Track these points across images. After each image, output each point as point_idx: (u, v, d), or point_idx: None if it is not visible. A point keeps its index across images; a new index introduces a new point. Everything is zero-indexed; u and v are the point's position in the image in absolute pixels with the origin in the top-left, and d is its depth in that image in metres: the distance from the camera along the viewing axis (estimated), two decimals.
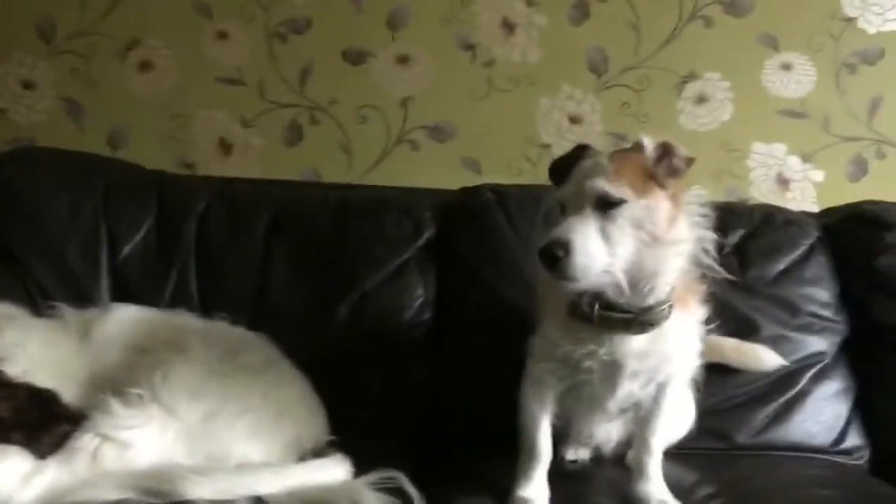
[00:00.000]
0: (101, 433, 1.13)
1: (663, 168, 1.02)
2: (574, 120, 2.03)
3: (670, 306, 1.08)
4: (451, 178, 1.90)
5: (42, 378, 1.20)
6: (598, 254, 0.99)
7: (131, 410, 1.16)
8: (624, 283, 1.03)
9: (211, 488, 1.09)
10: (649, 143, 1.04)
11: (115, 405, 1.16)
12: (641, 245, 1.02)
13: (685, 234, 1.06)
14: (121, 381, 1.24)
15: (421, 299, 1.67)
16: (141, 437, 1.15)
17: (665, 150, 1.03)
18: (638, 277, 1.04)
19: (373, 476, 1.18)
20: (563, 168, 1.10)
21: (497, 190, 1.77)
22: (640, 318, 1.07)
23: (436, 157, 2.02)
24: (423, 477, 1.23)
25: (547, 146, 2.02)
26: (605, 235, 1.00)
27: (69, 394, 1.21)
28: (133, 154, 1.96)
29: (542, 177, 1.98)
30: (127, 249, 1.66)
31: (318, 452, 1.30)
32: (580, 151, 1.11)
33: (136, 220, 1.68)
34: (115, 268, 1.65)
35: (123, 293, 1.62)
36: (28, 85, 1.99)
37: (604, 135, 2.01)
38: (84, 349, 1.32)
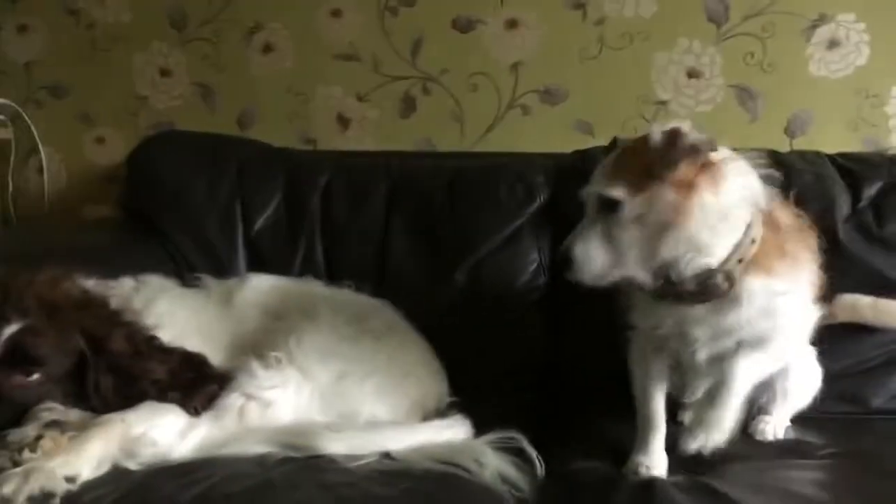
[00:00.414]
0: (246, 392, 1.22)
1: (665, 159, 0.99)
2: (692, 74, 1.95)
3: (728, 274, 1.04)
4: (564, 142, 1.88)
5: (191, 343, 1.30)
6: (600, 258, 1.03)
7: (271, 372, 1.25)
8: (644, 273, 1.04)
9: (345, 444, 1.17)
10: (656, 135, 1.02)
11: (257, 367, 1.25)
12: (653, 235, 1.02)
13: (718, 207, 1.02)
14: (260, 344, 1.34)
15: (535, 264, 1.69)
16: (280, 397, 1.24)
17: (671, 139, 1.00)
18: (666, 260, 1.03)
19: (493, 436, 1.22)
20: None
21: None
22: (691, 290, 1.06)
23: (548, 122, 2.00)
24: (540, 438, 1.26)
25: (663, 103, 1.96)
26: (609, 237, 1.02)
27: (215, 357, 1.30)
28: (260, 133, 2.08)
29: None
30: (260, 222, 1.78)
31: (439, 413, 1.36)
32: (611, 146, 1.14)
33: (266, 194, 1.80)
34: (250, 240, 1.78)
35: (257, 263, 1.75)
36: (165, 72, 2.15)
37: (725, 88, 1.93)
38: (226, 315, 1.43)
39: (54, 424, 1.07)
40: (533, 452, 1.19)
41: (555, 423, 1.43)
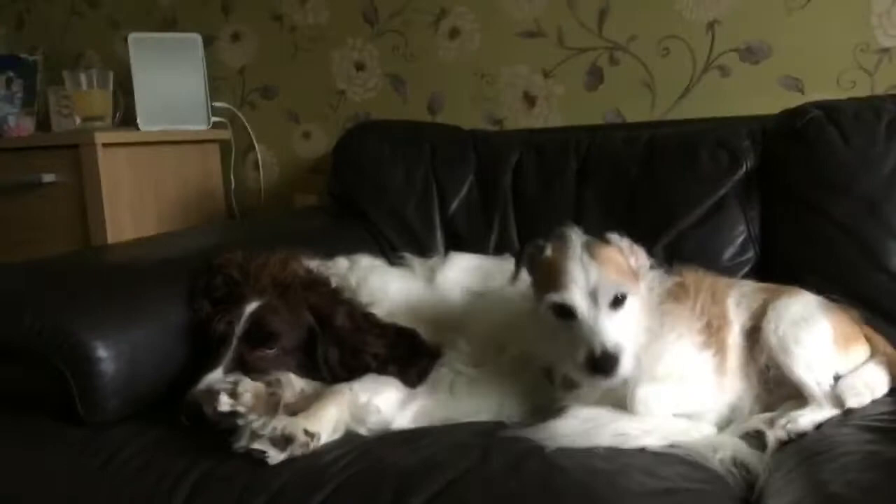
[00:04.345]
0: (455, 368, 1.26)
1: (635, 263, 1.17)
2: None
3: None
4: (769, 103, 1.75)
5: (402, 319, 1.37)
6: (630, 346, 1.09)
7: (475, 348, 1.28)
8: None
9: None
10: (620, 241, 1.17)
11: (463, 344, 1.29)
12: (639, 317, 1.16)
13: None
14: (462, 321, 1.38)
15: (743, 235, 1.60)
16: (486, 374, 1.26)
17: (631, 249, 1.17)
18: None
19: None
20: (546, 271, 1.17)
21: (825, 106, 1.60)
22: None
23: (749, 82, 1.87)
24: None
25: (886, 50, 1.76)
26: (624, 326, 1.11)
27: (422, 332, 1.35)
28: (449, 117, 2.13)
29: (881, 86, 1.75)
30: (455, 203, 1.84)
31: None
32: (532, 248, 1.19)
33: (459, 177, 1.85)
34: (446, 220, 1.84)
35: (454, 242, 1.80)
36: (359, 66, 2.27)
37: None
38: (430, 293, 1.48)
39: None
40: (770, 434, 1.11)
41: None
